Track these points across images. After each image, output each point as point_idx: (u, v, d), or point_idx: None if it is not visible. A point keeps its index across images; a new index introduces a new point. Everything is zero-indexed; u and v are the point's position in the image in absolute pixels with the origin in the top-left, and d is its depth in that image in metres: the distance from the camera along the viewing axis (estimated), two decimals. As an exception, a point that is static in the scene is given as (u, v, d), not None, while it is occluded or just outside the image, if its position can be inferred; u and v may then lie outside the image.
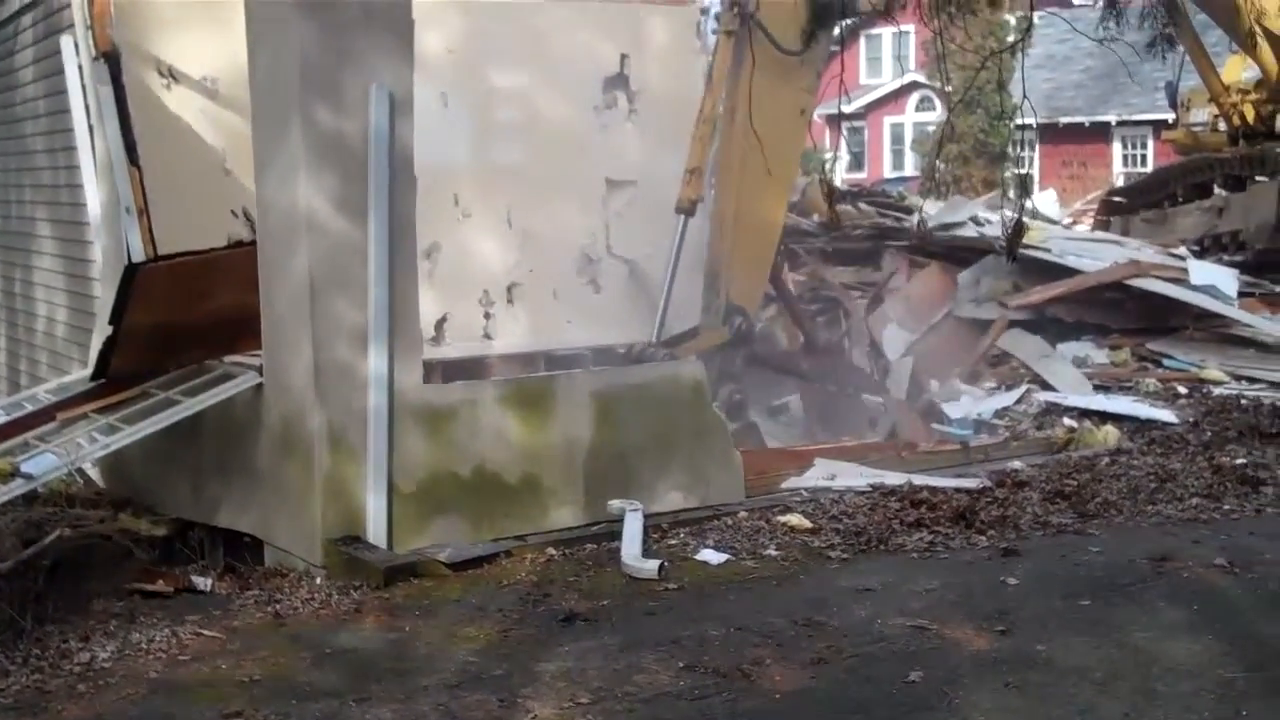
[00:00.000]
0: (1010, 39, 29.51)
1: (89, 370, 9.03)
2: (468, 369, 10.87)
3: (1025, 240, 14.56)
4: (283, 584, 7.29)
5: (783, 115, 10.65)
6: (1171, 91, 20.02)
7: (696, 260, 11.26)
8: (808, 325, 12.31)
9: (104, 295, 9.91)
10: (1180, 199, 17.71)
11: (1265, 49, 16.83)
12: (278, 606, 6.92)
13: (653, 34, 12.60)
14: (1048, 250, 14.20)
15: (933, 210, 17.98)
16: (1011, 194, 18.67)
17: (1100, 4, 9.64)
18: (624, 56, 12.55)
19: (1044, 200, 26.15)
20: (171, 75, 10.64)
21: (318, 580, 7.27)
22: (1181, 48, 16.12)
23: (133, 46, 10.18)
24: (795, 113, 11.04)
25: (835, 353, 12.83)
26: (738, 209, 10.68)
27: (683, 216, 10.67)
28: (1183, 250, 15.61)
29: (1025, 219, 11.78)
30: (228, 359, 8.55)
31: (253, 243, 8.16)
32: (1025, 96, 9.74)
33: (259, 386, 7.98)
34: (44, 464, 7.88)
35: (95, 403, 8.36)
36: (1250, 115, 17.62)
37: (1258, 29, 16.11)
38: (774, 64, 10.60)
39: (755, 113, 10.43)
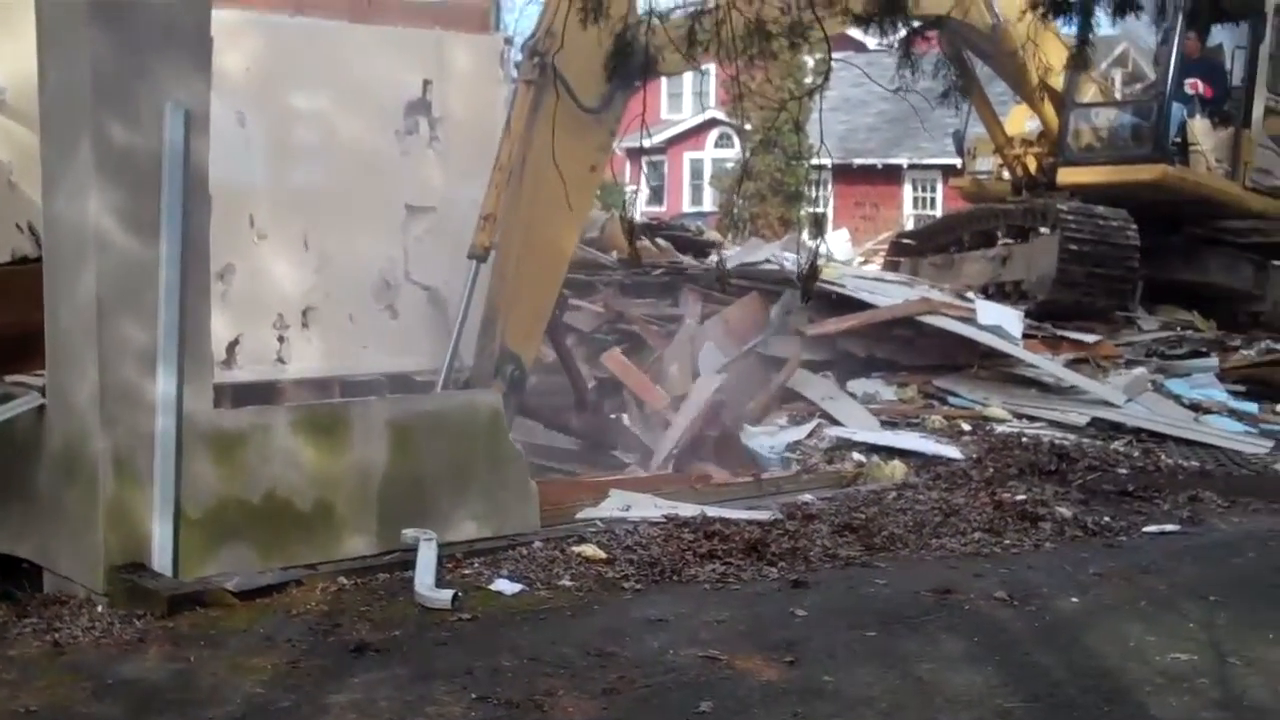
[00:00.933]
0: (808, 80, 30.27)
1: None
2: (260, 394, 10.68)
3: (821, 277, 14.92)
4: (62, 612, 7.04)
5: (575, 170, 10.71)
6: (959, 140, 20.60)
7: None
8: (580, 383, 12.32)
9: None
10: (967, 245, 18.23)
11: (1048, 104, 17.48)
12: (57, 635, 6.69)
13: (456, 61, 12.56)
14: (843, 286, 14.50)
15: (731, 251, 18.25)
16: (806, 235, 19.02)
17: (896, 54, 9.88)
18: (427, 82, 12.49)
19: (837, 239, 26.67)
20: (-44, 84, 10.29)
21: (99, 608, 7.05)
22: (968, 99, 16.67)
23: (-85, 53, 9.83)
24: (587, 169, 11.10)
25: (603, 413, 12.85)
26: (520, 257, 10.68)
27: (475, 262, 10.61)
28: (970, 294, 16.07)
29: (819, 259, 12.05)
30: (9, 378, 8.27)
31: (38, 259, 7.91)
32: (823, 142, 9.95)
33: (41, 408, 7.72)
34: None
35: None
36: (1033, 166, 18.25)
37: (1043, 86, 16.69)
38: (570, 119, 10.64)
39: (547, 165, 10.48)
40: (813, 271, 10.38)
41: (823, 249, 14.26)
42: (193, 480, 7.39)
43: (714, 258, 16.05)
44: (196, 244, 7.42)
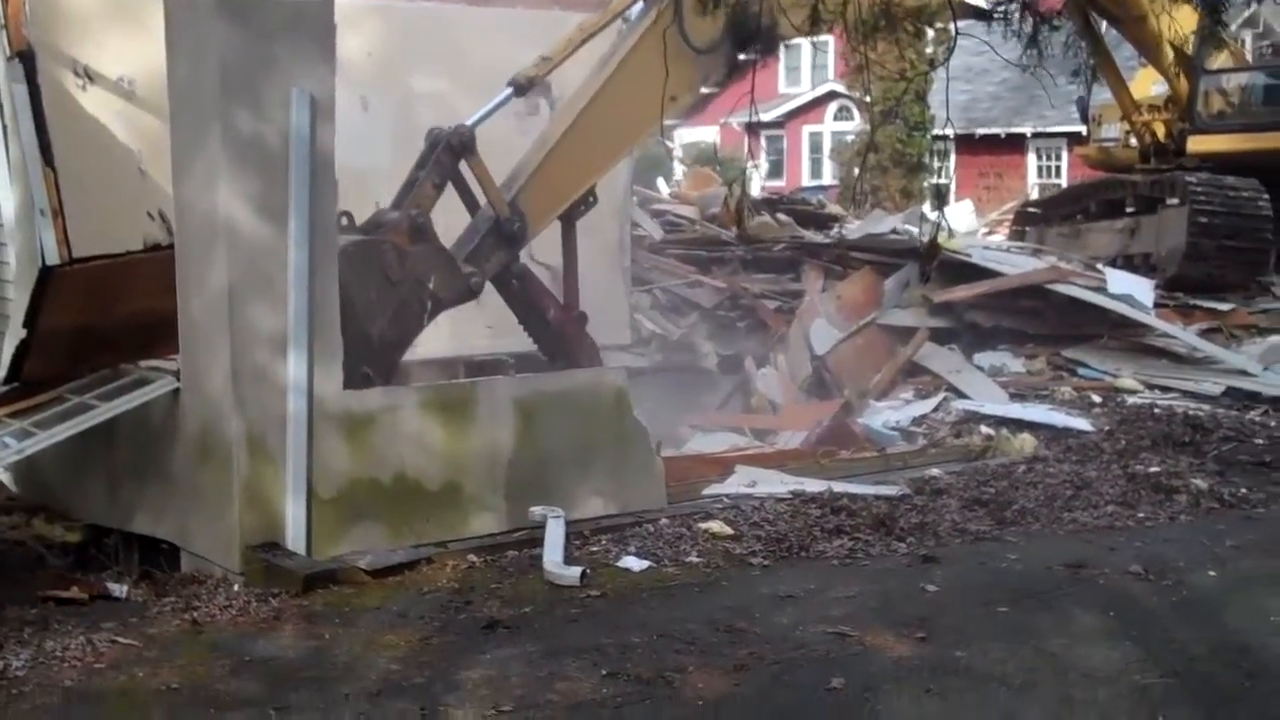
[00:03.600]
0: (929, 50, 29.93)
1: (0, 374, 8.88)
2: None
3: (947, 247, 14.77)
4: (200, 591, 7.19)
5: (653, 92, 10.60)
6: (1083, 107, 20.22)
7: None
8: (571, 292, 11.74)
9: (18, 298, 9.74)
10: (1094, 215, 17.93)
11: (1178, 70, 17.09)
12: (195, 614, 6.83)
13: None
14: (969, 255, 14.34)
15: (854, 224, 18.11)
16: (927, 210, 18.83)
17: (1020, 27, 9.73)
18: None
19: (961, 210, 26.37)
20: (87, 75, 10.48)
21: (235, 587, 7.18)
22: (1093, 62, 16.38)
23: (48, 46, 10.03)
24: (667, 97, 10.98)
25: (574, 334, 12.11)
26: (566, 135, 10.52)
27: (510, 90, 10.44)
28: (1099, 265, 15.82)
29: (940, 234, 11.94)
30: (144, 363, 8.44)
31: (170, 246, 8.06)
32: (949, 118, 9.81)
33: (176, 391, 7.88)
34: (-44, 470, 7.75)
35: (8, 407, 8.21)
36: (1161, 133, 17.88)
37: (1173, 55, 16.36)
38: (673, 44, 10.54)
39: (629, 75, 10.39)
40: (931, 249, 10.16)
41: (942, 224, 14.04)
42: (324, 461, 7.51)
43: (836, 231, 15.88)
44: (324, 228, 7.52)
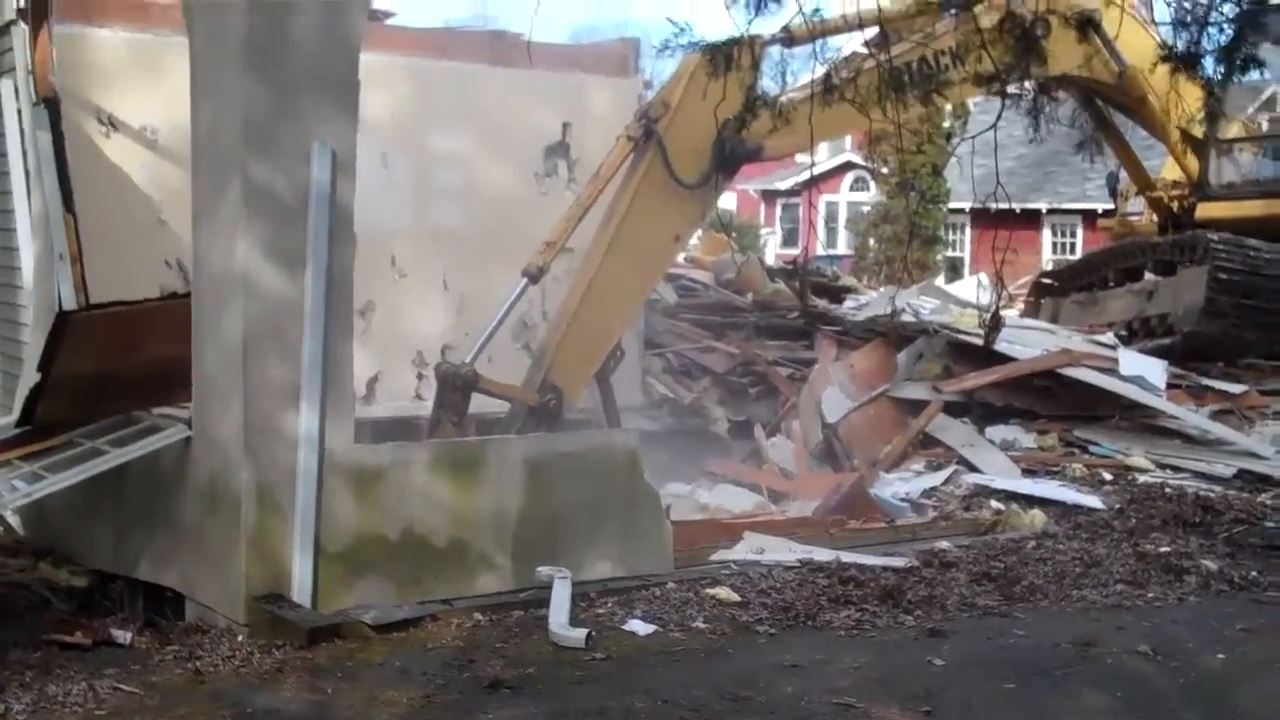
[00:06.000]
0: (945, 124, 30.09)
1: (14, 417, 8.89)
2: (398, 430, 10.81)
3: (957, 326, 14.78)
4: (204, 640, 7.17)
5: (657, 235, 10.74)
6: (1112, 181, 20.35)
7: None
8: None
9: (34, 342, 9.78)
10: (1111, 283, 17.96)
11: (1186, 150, 17.19)
12: (198, 663, 6.80)
13: (595, 104, 12.70)
14: (979, 335, 14.32)
15: (867, 298, 18.14)
16: (982, 282, 18.85)
17: (1028, 109, 9.86)
18: (566, 125, 12.65)
19: (969, 285, 26.37)
20: (111, 124, 10.60)
21: (240, 638, 7.16)
22: (1106, 144, 16.47)
23: (73, 94, 10.14)
24: (670, 238, 11.11)
25: None
26: (583, 302, 10.68)
27: (525, 280, 10.62)
28: (1112, 338, 15.79)
29: (998, 311, 12.04)
30: (156, 411, 8.45)
31: (187, 294, 8.08)
32: (981, 195, 9.88)
33: (187, 440, 7.88)
34: (-36, 511, 7.74)
35: (19, 450, 8.23)
36: (1176, 208, 17.99)
37: (1179, 137, 16.44)
38: (665, 187, 10.66)
39: (631, 224, 10.52)
40: (995, 322, 10.30)
41: (1003, 299, 14.07)
42: (332, 514, 7.49)
43: (888, 305, 15.86)
44: (341, 282, 7.54)
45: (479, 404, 10.29)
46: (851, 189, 44.41)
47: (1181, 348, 15.38)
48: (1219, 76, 9.18)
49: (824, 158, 44.13)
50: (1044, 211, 36.64)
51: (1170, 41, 9.49)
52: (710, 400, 13.75)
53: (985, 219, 36.30)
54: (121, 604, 8.26)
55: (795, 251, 41.08)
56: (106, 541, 8.64)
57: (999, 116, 9.22)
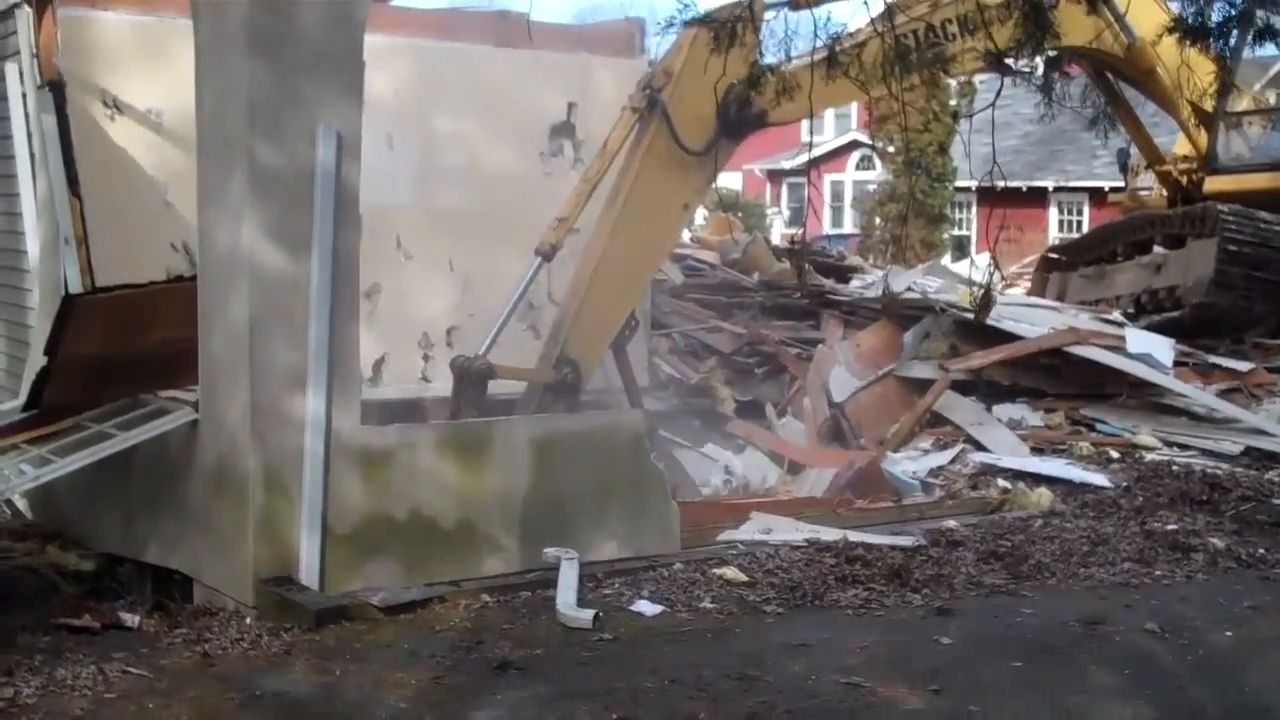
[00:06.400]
0: (952, 102, 30.00)
1: (21, 400, 8.90)
2: (405, 411, 10.80)
3: (962, 304, 14.75)
4: (212, 623, 7.20)
5: (666, 205, 10.71)
6: (1123, 156, 20.29)
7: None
8: (636, 399, 12.07)
9: (40, 326, 9.79)
10: (1120, 257, 17.92)
11: (1196, 123, 17.14)
12: (206, 646, 6.82)
13: (600, 84, 12.63)
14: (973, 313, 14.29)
15: (871, 277, 18.09)
16: (979, 262, 18.78)
17: (1038, 85, 9.80)
18: (571, 105, 12.60)
19: (979, 263, 26.32)
20: (116, 106, 10.56)
21: (248, 620, 7.18)
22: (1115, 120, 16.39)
23: (78, 77, 10.10)
24: (679, 207, 11.09)
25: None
26: (596, 273, 10.67)
27: (540, 259, 10.63)
28: (1119, 316, 15.75)
29: (989, 288, 11.97)
30: (163, 394, 8.46)
31: (193, 277, 8.08)
32: (985, 174, 9.82)
33: (194, 423, 7.89)
34: (-29, 495, 7.75)
35: (27, 434, 8.24)
36: (1185, 183, 17.95)
37: (1193, 113, 16.39)
38: (671, 156, 10.64)
39: (640, 194, 10.51)
40: (986, 301, 10.26)
41: (995, 276, 14.04)
42: (339, 496, 7.50)
43: (881, 284, 15.82)
44: (346, 264, 7.54)
45: (495, 386, 10.27)
46: (857, 168, 44.31)
47: (1190, 320, 15.34)
48: (1228, 50, 9.13)
49: (829, 137, 44.06)
50: (1050, 189, 36.57)
51: (1180, 14, 9.44)
52: (717, 380, 13.69)
53: (990, 197, 36.35)
54: (129, 587, 8.28)
55: (801, 231, 41.11)
56: (114, 525, 8.66)
57: (998, 94, 9.13)
